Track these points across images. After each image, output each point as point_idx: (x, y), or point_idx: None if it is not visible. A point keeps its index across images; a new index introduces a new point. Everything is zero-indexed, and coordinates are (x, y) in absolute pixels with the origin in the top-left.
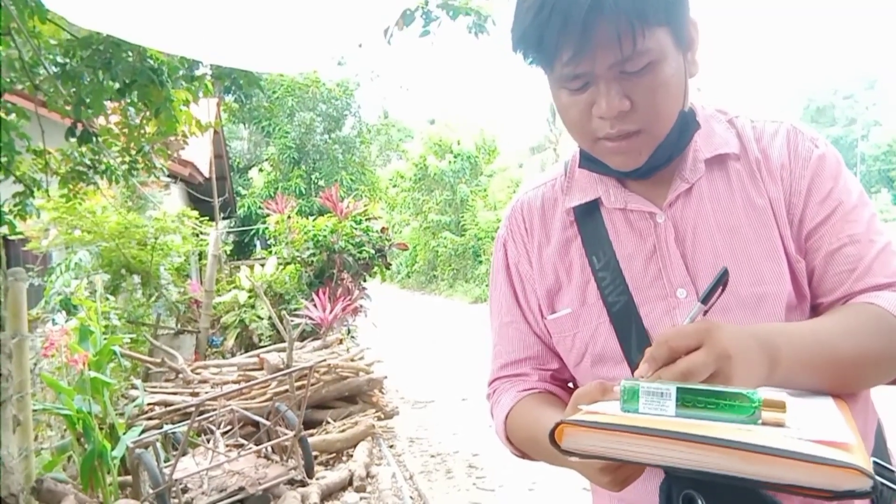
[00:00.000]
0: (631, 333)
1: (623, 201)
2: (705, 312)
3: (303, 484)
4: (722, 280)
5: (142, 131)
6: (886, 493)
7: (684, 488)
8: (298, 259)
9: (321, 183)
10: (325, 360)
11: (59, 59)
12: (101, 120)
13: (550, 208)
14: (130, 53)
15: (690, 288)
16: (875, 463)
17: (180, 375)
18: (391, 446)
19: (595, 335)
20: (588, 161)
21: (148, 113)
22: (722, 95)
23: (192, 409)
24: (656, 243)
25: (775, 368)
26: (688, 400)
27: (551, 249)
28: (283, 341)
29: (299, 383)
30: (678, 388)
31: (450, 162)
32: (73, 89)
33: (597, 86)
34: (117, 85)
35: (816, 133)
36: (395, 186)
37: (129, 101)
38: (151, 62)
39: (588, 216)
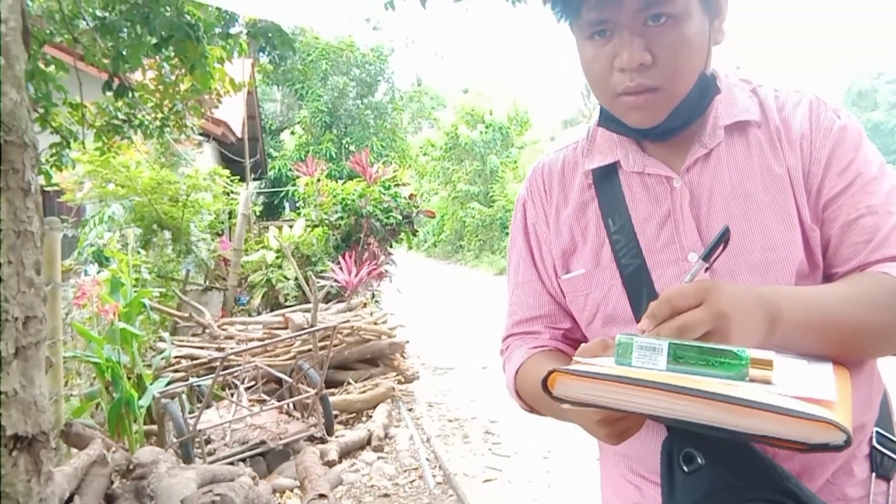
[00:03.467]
0: (642, 296)
1: (641, 165)
2: (707, 269)
3: (322, 441)
4: (723, 238)
5: (176, 88)
6: (887, 462)
7: (685, 446)
8: (326, 222)
9: (352, 148)
10: (348, 322)
11: (98, 13)
12: (136, 76)
13: (570, 171)
14: (168, 8)
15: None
16: (878, 433)
17: (207, 331)
18: (410, 409)
19: (607, 296)
20: (607, 119)
21: (183, 70)
22: (762, 74)
23: (218, 363)
24: (671, 208)
25: (775, 329)
26: (679, 356)
27: (569, 211)
28: (309, 302)
29: (322, 343)
30: (671, 344)
31: (481, 132)
32: (111, 43)
33: (620, 36)
34: (154, 39)
35: (839, 105)
36: (425, 154)
37: (164, 56)
38: (188, 18)
39: (606, 179)
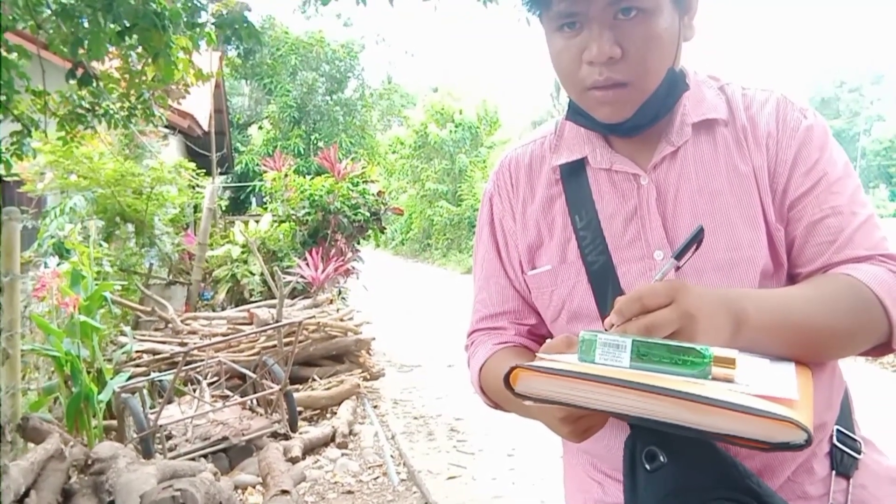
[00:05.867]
0: (607, 292)
1: (609, 161)
2: (678, 269)
3: (286, 437)
4: (697, 238)
5: (142, 77)
6: (847, 460)
7: (647, 444)
8: (293, 217)
9: (320, 144)
10: (314, 318)
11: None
12: (101, 64)
13: (538, 165)
14: None
15: (667, 250)
16: (838, 431)
17: (170, 325)
18: (375, 406)
19: (573, 292)
20: (575, 113)
21: (149, 59)
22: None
23: (180, 357)
24: (637, 205)
25: (740, 331)
26: (643, 353)
27: (535, 206)
28: (274, 298)
29: (287, 339)
30: (634, 341)
31: (451, 131)
32: (73, 30)
33: (590, 29)
34: (118, 28)
35: (806, 104)
36: (394, 152)
37: (128, 44)
38: (154, 6)
39: (573, 175)
